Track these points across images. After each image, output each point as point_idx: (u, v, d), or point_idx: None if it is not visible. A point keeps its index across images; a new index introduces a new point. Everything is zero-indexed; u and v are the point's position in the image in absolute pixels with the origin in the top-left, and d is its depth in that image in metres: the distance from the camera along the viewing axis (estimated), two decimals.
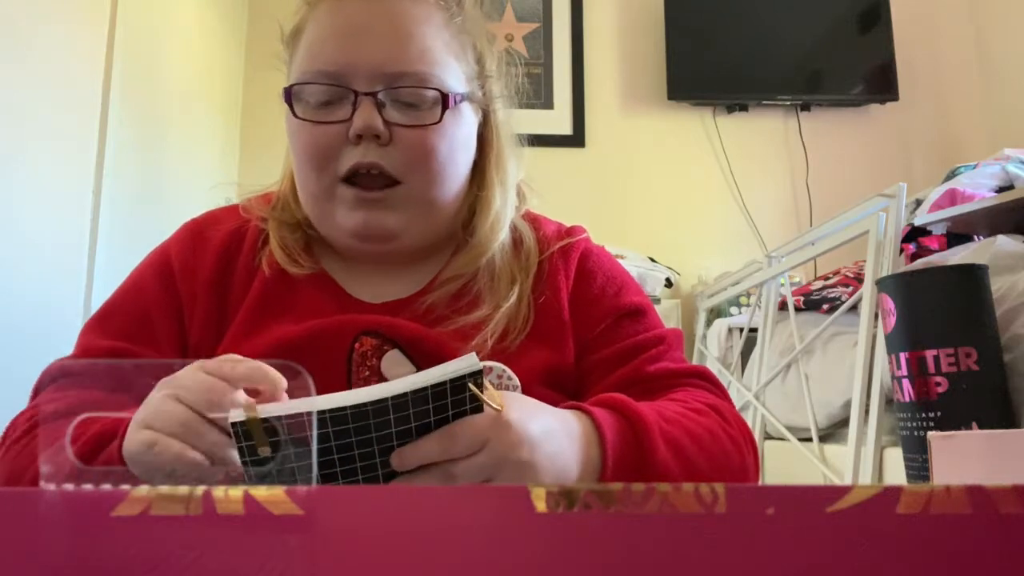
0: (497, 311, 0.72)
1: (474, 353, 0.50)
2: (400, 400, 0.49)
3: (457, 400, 0.51)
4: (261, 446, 0.46)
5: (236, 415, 0.46)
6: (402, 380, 0.49)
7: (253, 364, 0.51)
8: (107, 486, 0.26)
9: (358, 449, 0.50)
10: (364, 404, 0.48)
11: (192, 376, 0.51)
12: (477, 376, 0.51)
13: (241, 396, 0.50)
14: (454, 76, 0.73)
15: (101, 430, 0.55)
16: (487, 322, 0.72)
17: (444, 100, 0.70)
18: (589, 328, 0.76)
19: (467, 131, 0.75)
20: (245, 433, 0.46)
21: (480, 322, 0.72)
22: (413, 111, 0.70)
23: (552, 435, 0.56)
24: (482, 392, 0.52)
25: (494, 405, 0.52)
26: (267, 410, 0.46)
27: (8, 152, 1.41)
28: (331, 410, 0.47)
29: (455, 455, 0.51)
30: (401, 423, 0.50)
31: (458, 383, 0.50)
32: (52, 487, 0.26)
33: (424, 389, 0.49)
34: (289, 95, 0.71)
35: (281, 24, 0.77)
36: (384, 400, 0.48)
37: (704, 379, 0.75)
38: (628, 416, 0.61)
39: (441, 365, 0.50)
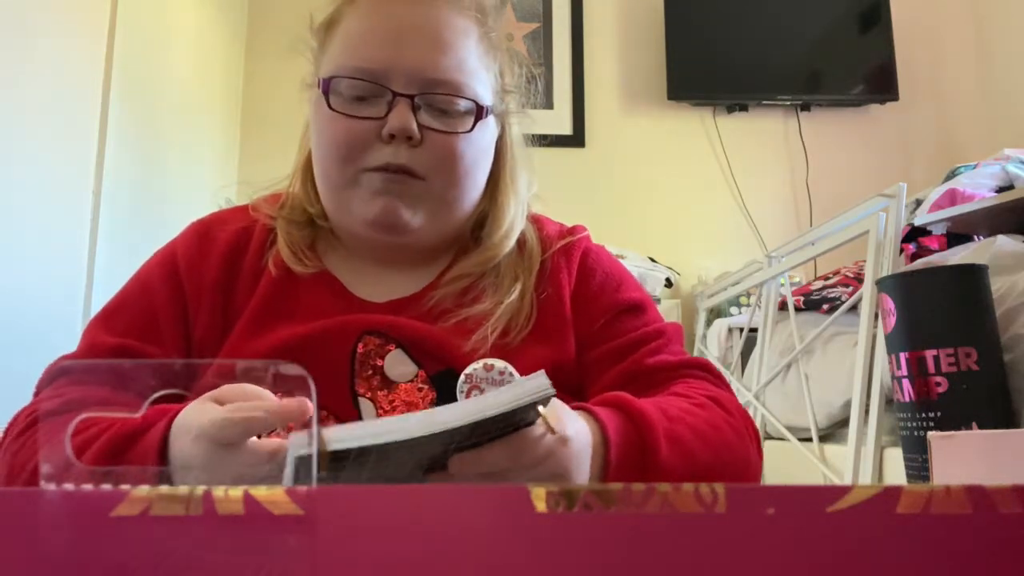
0: (499, 306, 0.73)
1: (543, 372, 0.49)
2: (478, 423, 0.47)
3: (520, 415, 0.50)
4: (321, 470, 0.43)
5: (300, 448, 0.42)
6: (481, 402, 0.47)
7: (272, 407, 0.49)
8: (107, 486, 0.26)
9: (410, 460, 0.49)
10: (441, 433, 0.45)
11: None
12: (548, 400, 0.50)
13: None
14: (484, 88, 0.75)
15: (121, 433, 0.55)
16: (488, 317, 0.72)
17: (478, 111, 0.73)
18: (589, 324, 0.77)
19: (489, 141, 0.77)
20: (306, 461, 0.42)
21: (482, 317, 0.72)
22: (446, 118, 0.72)
23: (585, 448, 0.56)
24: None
25: (556, 429, 0.52)
26: (335, 441, 0.43)
27: (8, 152, 1.41)
28: (405, 441, 0.44)
29: (518, 467, 0.51)
30: (466, 438, 0.49)
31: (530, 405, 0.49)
32: (52, 487, 0.26)
33: (502, 415, 0.47)
34: (327, 86, 0.72)
35: (312, 13, 0.78)
36: (463, 427, 0.46)
37: (704, 370, 0.75)
38: (632, 415, 0.61)
39: (513, 386, 0.48)
